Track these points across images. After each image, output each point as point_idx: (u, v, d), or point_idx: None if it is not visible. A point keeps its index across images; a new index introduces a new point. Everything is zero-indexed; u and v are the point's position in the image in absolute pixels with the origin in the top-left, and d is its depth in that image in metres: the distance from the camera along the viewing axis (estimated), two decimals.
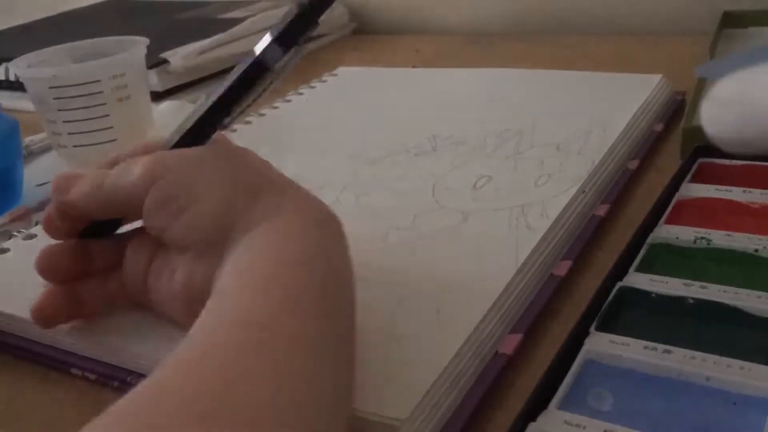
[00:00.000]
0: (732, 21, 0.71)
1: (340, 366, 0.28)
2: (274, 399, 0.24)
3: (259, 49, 0.33)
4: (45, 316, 0.36)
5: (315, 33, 0.35)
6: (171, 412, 0.22)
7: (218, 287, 0.30)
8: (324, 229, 0.33)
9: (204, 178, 0.33)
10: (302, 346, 0.26)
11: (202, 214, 0.32)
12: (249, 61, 0.34)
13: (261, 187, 0.33)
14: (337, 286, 0.31)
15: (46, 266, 0.36)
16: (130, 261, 0.36)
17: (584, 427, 0.28)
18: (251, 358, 0.25)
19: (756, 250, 0.38)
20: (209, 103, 0.35)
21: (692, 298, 0.35)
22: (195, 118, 0.35)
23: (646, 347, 0.32)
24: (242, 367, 0.24)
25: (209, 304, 0.28)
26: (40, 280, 0.42)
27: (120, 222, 0.37)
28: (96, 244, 0.37)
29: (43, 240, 0.47)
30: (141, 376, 0.36)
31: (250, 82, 0.34)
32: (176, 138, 0.35)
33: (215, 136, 0.35)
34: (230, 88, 0.34)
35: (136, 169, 0.33)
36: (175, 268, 0.34)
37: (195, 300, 0.31)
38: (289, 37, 0.33)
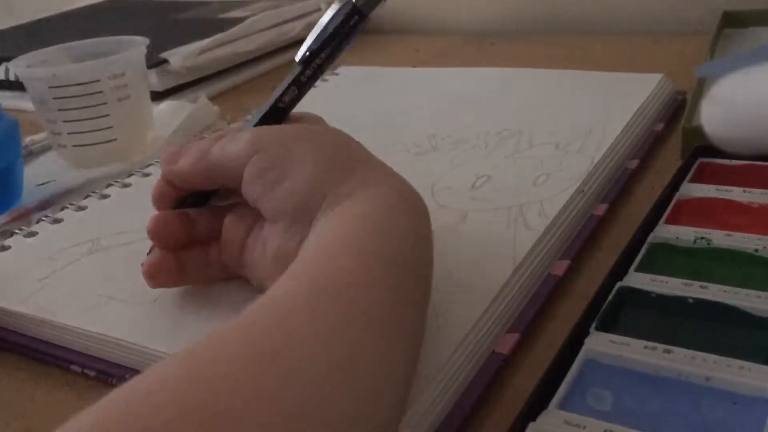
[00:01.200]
0: (732, 21, 0.71)
1: (395, 344, 0.28)
2: (315, 362, 0.24)
3: None
4: (152, 273, 0.38)
5: None
6: (224, 358, 0.24)
7: (301, 255, 0.31)
8: (409, 208, 0.34)
9: (299, 154, 0.35)
10: (357, 315, 0.27)
11: (294, 187, 0.34)
12: (346, 9, 0.36)
13: (352, 164, 0.35)
14: (414, 265, 0.32)
15: (157, 230, 0.38)
16: (228, 232, 0.38)
17: (584, 427, 0.28)
18: (305, 320, 0.26)
19: (756, 250, 0.38)
20: (302, 62, 0.38)
21: (692, 298, 0.34)
22: (292, 76, 0.38)
23: (646, 347, 0.32)
24: (294, 326, 0.26)
25: (289, 269, 0.30)
26: (41, 276, 0.42)
27: (215, 194, 0.40)
28: (199, 215, 0.39)
29: (42, 238, 0.47)
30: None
31: (348, 32, 0.37)
32: (276, 94, 0.38)
33: (314, 117, 0.39)
34: (330, 37, 0.37)
35: (240, 141, 0.36)
36: (267, 240, 0.36)
37: (284, 270, 0.33)
38: None
